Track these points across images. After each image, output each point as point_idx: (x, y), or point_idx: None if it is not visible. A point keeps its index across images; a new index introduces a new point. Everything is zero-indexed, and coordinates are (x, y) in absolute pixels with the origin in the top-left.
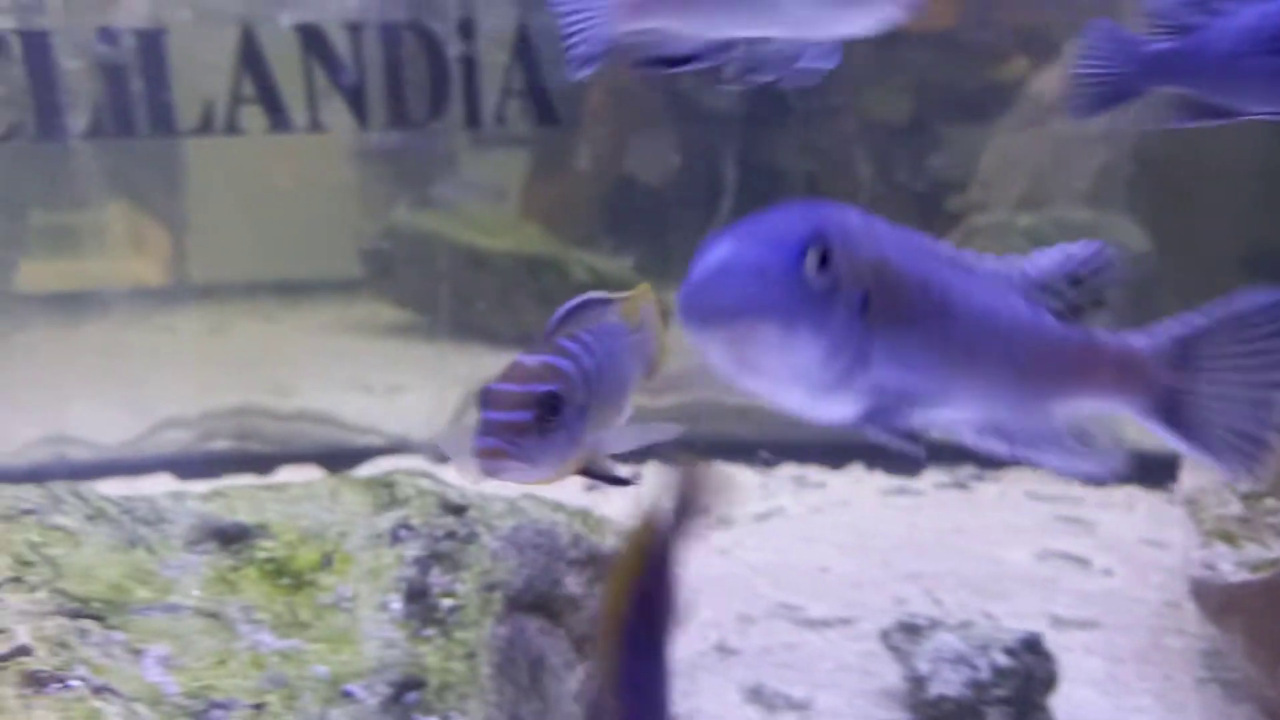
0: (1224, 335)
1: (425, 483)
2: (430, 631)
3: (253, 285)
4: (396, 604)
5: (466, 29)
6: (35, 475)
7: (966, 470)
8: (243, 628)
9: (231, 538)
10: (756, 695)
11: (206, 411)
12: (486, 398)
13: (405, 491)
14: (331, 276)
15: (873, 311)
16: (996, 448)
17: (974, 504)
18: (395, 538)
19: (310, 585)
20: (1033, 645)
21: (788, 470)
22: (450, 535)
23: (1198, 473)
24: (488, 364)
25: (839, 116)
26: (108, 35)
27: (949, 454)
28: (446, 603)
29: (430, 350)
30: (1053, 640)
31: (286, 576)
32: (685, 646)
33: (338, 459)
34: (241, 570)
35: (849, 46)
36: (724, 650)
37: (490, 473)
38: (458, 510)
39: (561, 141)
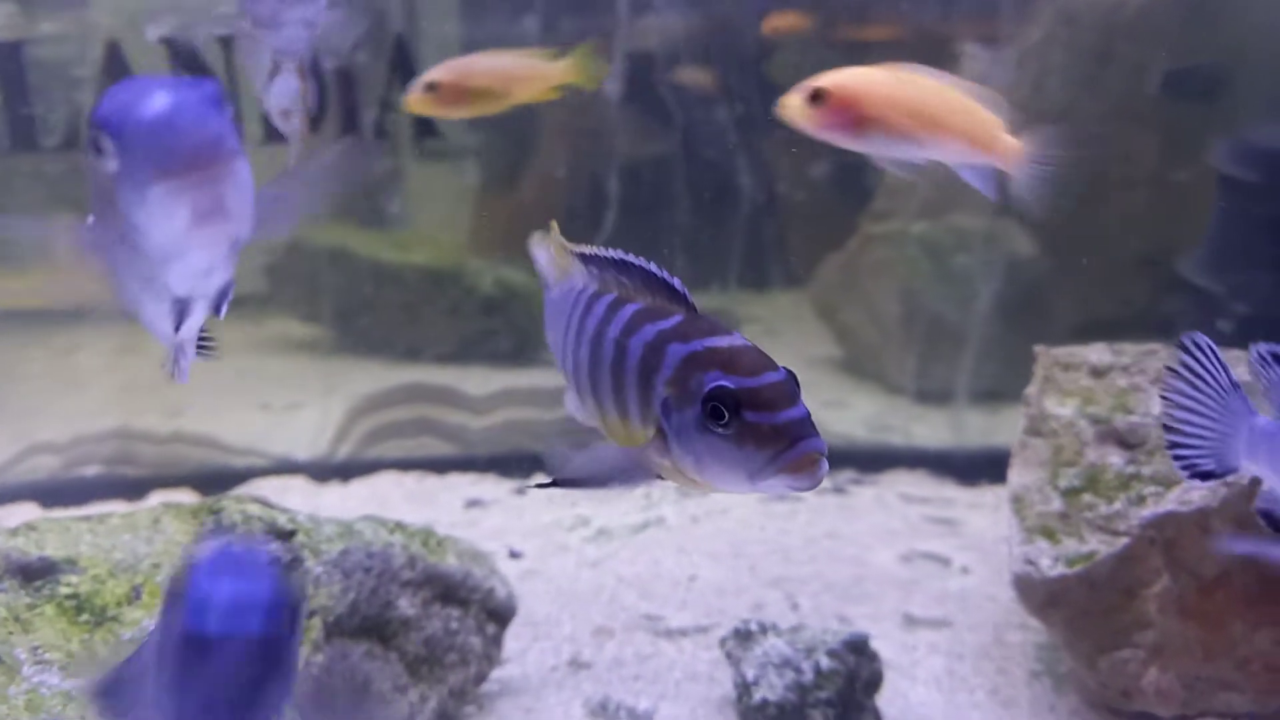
0: None
1: (254, 508)
2: None
3: None
4: None
5: None
6: None
7: (846, 475)
8: (28, 669)
9: (35, 574)
10: (602, 709)
11: (79, 435)
12: (772, 393)
13: (232, 518)
14: (239, 292)
15: None
16: None
17: (849, 508)
18: None
19: (113, 620)
20: (857, 646)
21: None
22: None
23: (1024, 471)
24: (388, 378)
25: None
26: None
27: (830, 459)
28: None
29: (334, 365)
30: (902, 640)
31: (87, 613)
32: (536, 662)
33: (215, 482)
34: (39, 608)
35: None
36: (576, 664)
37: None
38: (285, 535)
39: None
